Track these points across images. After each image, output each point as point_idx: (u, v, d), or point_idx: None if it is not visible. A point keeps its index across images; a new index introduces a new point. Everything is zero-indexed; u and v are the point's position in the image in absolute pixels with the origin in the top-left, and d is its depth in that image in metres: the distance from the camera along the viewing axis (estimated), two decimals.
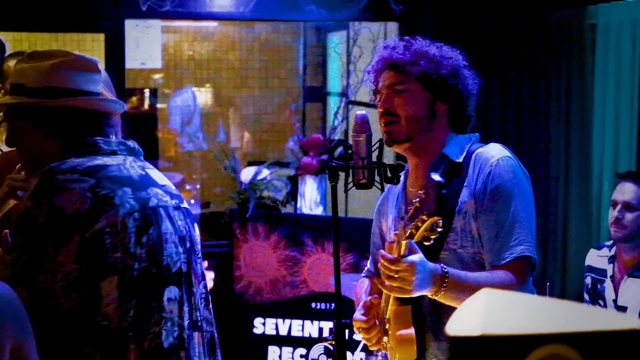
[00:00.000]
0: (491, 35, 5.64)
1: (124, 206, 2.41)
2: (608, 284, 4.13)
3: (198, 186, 8.26)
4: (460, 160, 2.81)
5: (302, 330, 5.65)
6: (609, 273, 4.14)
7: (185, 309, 2.53)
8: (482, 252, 2.75)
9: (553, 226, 5.05)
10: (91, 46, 8.90)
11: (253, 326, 5.72)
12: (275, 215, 5.80)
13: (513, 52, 5.45)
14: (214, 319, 2.77)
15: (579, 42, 4.89)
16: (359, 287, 3.17)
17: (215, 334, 2.75)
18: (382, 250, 2.62)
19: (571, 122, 4.98)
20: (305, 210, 5.89)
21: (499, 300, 1.06)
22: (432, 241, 2.53)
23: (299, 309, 5.67)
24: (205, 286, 2.73)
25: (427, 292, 2.62)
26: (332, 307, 5.49)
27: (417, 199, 2.51)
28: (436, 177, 2.43)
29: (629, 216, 4.02)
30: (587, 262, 4.29)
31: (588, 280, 4.26)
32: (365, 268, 3.24)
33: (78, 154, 2.48)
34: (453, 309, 2.59)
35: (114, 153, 2.52)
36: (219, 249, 6.14)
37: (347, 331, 2.84)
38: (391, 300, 2.80)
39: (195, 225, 2.71)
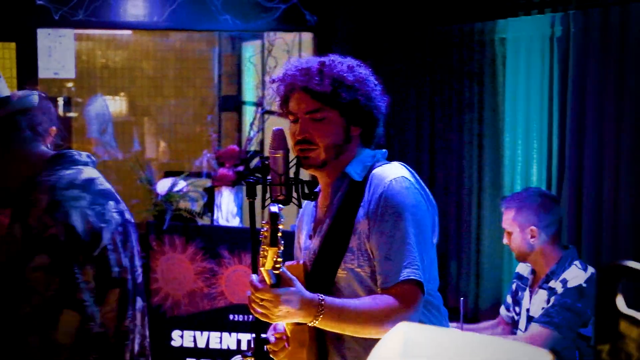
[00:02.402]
0: (404, 47, 5.71)
1: (113, 221, 2.43)
2: (526, 294, 4.25)
3: None
4: (361, 179, 2.83)
5: (220, 342, 5.63)
6: (529, 283, 4.26)
7: (146, 319, 2.58)
8: (373, 265, 2.77)
9: (467, 237, 5.13)
10: (1, 54, 8.74)
11: (171, 339, 5.68)
12: (192, 227, 5.76)
13: (426, 64, 5.52)
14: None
15: (491, 56, 4.99)
16: None
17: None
18: (252, 276, 2.64)
19: (484, 134, 5.08)
20: (222, 221, 5.87)
21: (416, 334, 1.08)
22: (281, 269, 2.54)
23: (216, 321, 5.64)
24: (144, 299, 2.76)
25: (299, 320, 2.65)
26: (251, 319, 5.48)
27: (265, 229, 2.50)
28: (274, 208, 2.47)
29: (509, 240, 4.19)
30: (517, 269, 4.40)
31: (514, 287, 4.37)
32: None
33: (63, 166, 2.45)
34: None
35: (86, 165, 2.51)
36: None
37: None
38: None
39: (134, 236, 2.73)
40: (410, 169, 2.88)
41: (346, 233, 2.79)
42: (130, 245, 2.52)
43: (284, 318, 2.62)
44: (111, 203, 2.47)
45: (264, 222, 2.52)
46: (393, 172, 2.80)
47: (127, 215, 2.53)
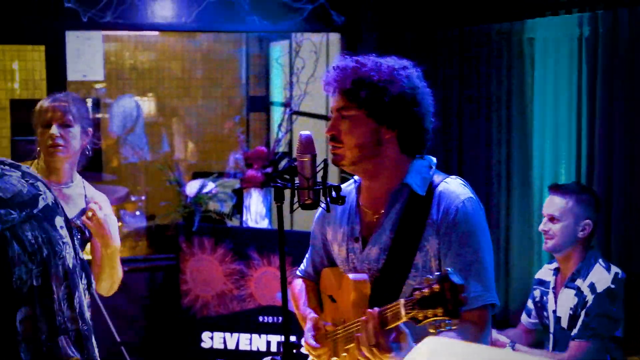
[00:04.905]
0: (432, 47, 5.68)
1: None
2: (550, 296, 4.21)
3: (143, 198, 8.21)
4: (424, 194, 2.79)
5: (250, 344, 5.64)
6: (552, 285, 4.22)
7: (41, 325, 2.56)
8: None
9: (495, 238, 5.11)
10: (32, 57, 8.80)
11: (201, 340, 5.70)
12: (221, 228, 5.78)
13: (454, 64, 5.49)
14: (79, 314, 2.74)
15: (519, 56, 4.96)
16: (296, 290, 3.17)
17: (82, 328, 2.71)
18: (374, 310, 2.55)
19: (512, 134, 5.04)
20: (251, 223, 5.88)
21: (442, 348, 1.08)
22: (438, 331, 2.42)
23: (246, 322, 5.66)
24: (67, 286, 2.68)
25: None
26: (280, 321, 5.49)
27: (426, 288, 2.37)
28: (455, 279, 2.32)
29: (554, 227, 4.12)
30: (537, 276, 4.36)
31: (537, 293, 4.33)
32: (301, 267, 3.26)
33: None
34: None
35: None
36: (165, 262, 6.11)
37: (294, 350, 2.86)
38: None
39: (59, 217, 2.65)
40: (467, 183, 2.85)
41: (411, 249, 2.76)
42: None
43: None
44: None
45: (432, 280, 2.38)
46: (461, 192, 2.77)
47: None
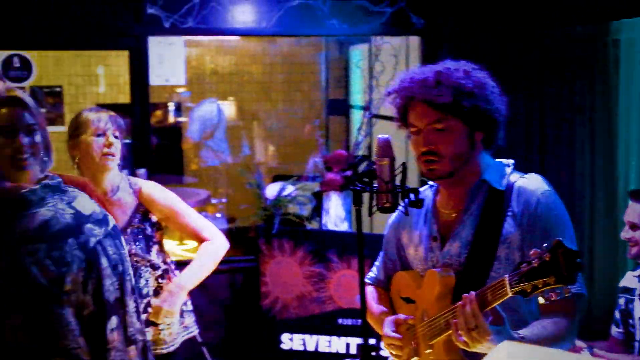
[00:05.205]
0: (514, 50, 5.63)
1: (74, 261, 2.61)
2: (636, 303, 4.12)
3: (224, 200, 8.30)
4: (503, 188, 2.80)
5: (330, 346, 5.66)
6: (637, 292, 4.13)
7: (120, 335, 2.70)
8: None
9: (579, 244, 5.02)
10: (116, 62, 8.99)
11: (281, 342, 5.74)
12: (300, 231, 5.81)
13: (536, 67, 5.43)
14: (144, 327, 2.88)
15: (603, 58, 4.87)
16: (369, 297, 3.17)
17: (147, 340, 2.84)
18: (470, 294, 2.57)
19: (596, 138, 4.96)
20: (330, 226, 5.89)
21: (520, 352, 1.07)
22: (548, 301, 2.42)
23: (325, 324, 5.68)
24: (134, 300, 2.79)
25: None
26: (359, 323, 5.49)
27: (535, 259, 2.37)
28: (569, 244, 2.31)
29: (636, 235, 4.03)
30: (622, 284, 4.28)
31: (622, 301, 4.24)
32: (371, 275, 3.26)
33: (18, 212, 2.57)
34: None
35: (43, 199, 2.63)
36: (245, 264, 6.17)
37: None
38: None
39: (122, 238, 2.77)
40: (546, 180, 2.84)
41: (493, 242, 2.76)
42: (96, 272, 2.57)
43: (483, 350, 2.56)
44: (70, 241, 2.53)
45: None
46: (540, 185, 2.78)
47: (94, 240, 2.60)
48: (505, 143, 2.91)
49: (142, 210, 3.74)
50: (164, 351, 3.82)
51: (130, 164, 5.90)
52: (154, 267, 3.76)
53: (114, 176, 3.73)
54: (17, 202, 2.53)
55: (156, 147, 7.10)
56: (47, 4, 5.80)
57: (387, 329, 2.96)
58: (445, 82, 2.75)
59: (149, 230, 3.75)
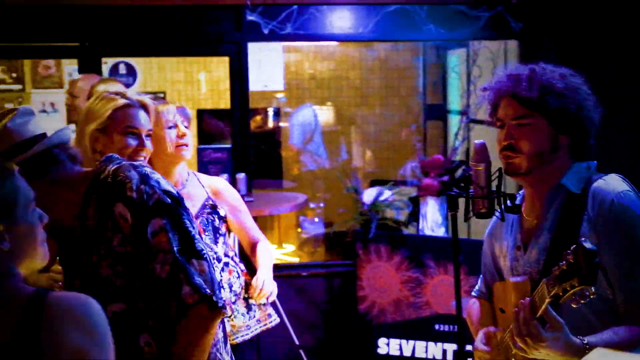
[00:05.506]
0: (613, 54, 5.53)
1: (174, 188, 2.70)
2: None
3: (322, 205, 8.36)
4: (579, 191, 2.74)
5: (426, 351, 5.65)
6: None
7: None
8: (604, 285, 2.66)
9: None
10: (216, 68, 9.16)
11: (377, 346, 5.75)
12: (397, 236, 5.82)
13: (635, 72, 5.33)
14: None
15: None
16: (471, 309, 3.16)
17: None
18: (523, 302, 2.55)
19: None
20: (427, 231, 5.89)
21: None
22: (579, 304, 2.38)
23: (422, 330, 5.67)
24: None
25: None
26: (456, 329, 5.47)
27: (563, 262, 2.35)
28: (587, 244, 2.29)
29: None
30: None
31: None
32: (476, 287, 3.24)
33: (116, 160, 2.69)
34: None
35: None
36: (342, 268, 6.21)
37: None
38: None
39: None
40: (629, 181, 2.78)
41: (569, 246, 2.72)
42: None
43: (544, 357, 2.55)
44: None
45: (568, 253, 2.36)
46: (617, 185, 2.71)
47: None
48: (595, 154, 2.86)
49: (211, 203, 3.80)
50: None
51: (230, 168, 6.00)
52: (217, 259, 3.82)
53: (183, 168, 3.79)
54: (111, 156, 2.72)
55: (255, 151, 7.19)
56: (151, 12, 5.95)
57: (478, 342, 2.94)
58: (536, 79, 2.74)
59: (217, 222, 3.80)
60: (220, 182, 3.94)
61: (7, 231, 1.98)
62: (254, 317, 3.97)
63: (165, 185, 2.57)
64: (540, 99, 2.71)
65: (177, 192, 2.60)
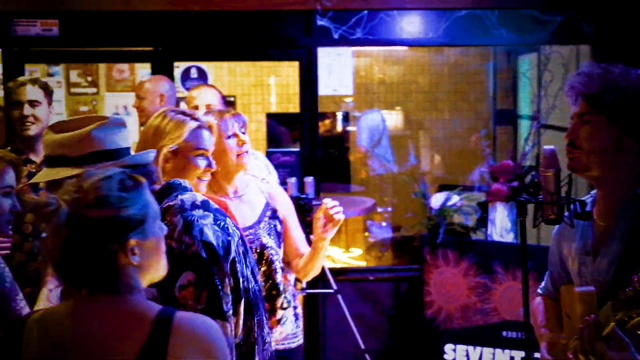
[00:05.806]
0: None
1: (235, 234, 2.70)
2: None
3: (389, 209, 8.35)
4: None
5: (493, 358, 5.61)
6: None
7: (265, 326, 2.90)
8: None
9: None
10: (287, 73, 9.22)
11: (444, 352, 5.73)
12: (465, 241, 5.79)
13: None
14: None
15: None
16: (537, 309, 3.12)
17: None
18: (588, 319, 2.49)
19: None
20: (496, 237, 5.85)
21: None
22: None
23: (489, 336, 5.63)
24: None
25: None
26: (524, 336, 5.42)
27: (630, 288, 2.29)
28: None
29: None
30: None
31: None
32: (542, 285, 3.20)
33: (177, 192, 2.72)
34: None
35: (190, 190, 2.79)
36: (409, 273, 6.20)
37: None
38: None
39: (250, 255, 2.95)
40: None
41: None
42: (248, 256, 2.73)
43: None
44: (228, 219, 2.68)
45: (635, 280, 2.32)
46: None
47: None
48: None
49: (272, 208, 3.83)
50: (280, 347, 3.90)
51: (298, 172, 6.04)
52: (280, 261, 3.83)
53: (243, 174, 3.82)
54: (175, 185, 2.79)
55: (323, 155, 7.23)
56: (223, 18, 6.03)
57: (542, 350, 2.91)
58: (601, 76, 2.71)
59: (279, 227, 3.82)
60: (275, 188, 3.97)
61: (138, 245, 2.03)
62: (300, 326, 4.00)
63: (208, 234, 2.58)
64: (600, 96, 2.68)
65: (219, 244, 2.60)
